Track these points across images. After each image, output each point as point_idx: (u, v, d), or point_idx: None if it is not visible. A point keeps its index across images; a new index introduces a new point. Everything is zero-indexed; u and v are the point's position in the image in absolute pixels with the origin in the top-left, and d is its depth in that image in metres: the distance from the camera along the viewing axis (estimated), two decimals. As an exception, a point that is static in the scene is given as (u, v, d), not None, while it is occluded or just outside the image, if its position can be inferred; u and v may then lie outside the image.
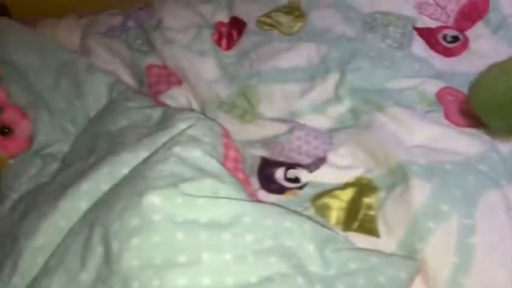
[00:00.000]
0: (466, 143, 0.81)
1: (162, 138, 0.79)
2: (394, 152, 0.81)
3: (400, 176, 0.78)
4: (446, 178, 0.75)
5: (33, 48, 1.12)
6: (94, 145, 0.90)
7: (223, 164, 0.80)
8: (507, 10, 1.03)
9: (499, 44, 0.99)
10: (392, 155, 0.81)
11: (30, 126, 0.99)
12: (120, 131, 0.89)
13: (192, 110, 0.99)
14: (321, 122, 0.94)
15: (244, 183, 0.81)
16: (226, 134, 0.87)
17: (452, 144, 0.82)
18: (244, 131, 0.96)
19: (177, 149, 0.74)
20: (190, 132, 0.79)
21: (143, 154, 0.78)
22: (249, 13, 1.17)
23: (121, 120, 0.92)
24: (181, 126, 0.81)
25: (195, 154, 0.74)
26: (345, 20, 1.07)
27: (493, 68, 0.83)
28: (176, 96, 1.05)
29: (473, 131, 0.84)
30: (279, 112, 0.98)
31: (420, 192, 0.74)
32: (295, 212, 0.73)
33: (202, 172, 0.71)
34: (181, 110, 0.91)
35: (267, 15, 1.15)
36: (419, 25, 1.06)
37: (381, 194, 0.79)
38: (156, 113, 0.90)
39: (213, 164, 0.74)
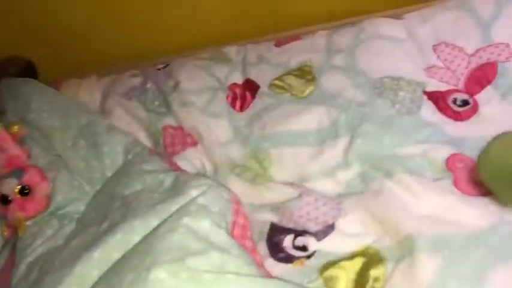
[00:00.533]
0: (476, 214, 0.81)
1: (173, 206, 0.82)
2: (402, 222, 0.81)
3: (408, 248, 0.78)
4: (455, 252, 0.75)
5: (56, 110, 1.17)
6: (109, 209, 0.93)
7: (231, 232, 0.82)
8: (514, 73, 1.04)
9: (508, 110, 0.99)
10: (401, 225, 0.81)
11: (49, 188, 1.03)
12: (133, 196, 0.92)
13: (204, 175, 1.02)
14: (330, 186, 0.95)
15: (252, 252, 0.82)
16: (236, 201, 0.89)
17: (461, 215, 0.81)
18: (255, 195, 0.98)
19: (186, 220, 0.76)
20: (200, 200, 0.81)
21: (154, 222, 0.80)
22: (262, 76, 1.21)
23: (135, 184, 0.95)
24: (193, 193, 0.83)
25: (204, 225, 0.76)
26: (354, 84, 1.09)
27: (501, 138, 0.84)
28: (190, 158, 1.08)
29: (483, 200, 0.84)
30: (289, 175, 1.00)
31: (428, 267, 0.73)
32: (302, 286, 0.74)
33: (210, 244, 0.73)
34: (193, 176, 0.93)
35: (280, 78, 1.18)
36: (429, 89, 1.08)
37: (389, 266, 0.79)
38: (169, 178, 0.93)
39: (221, 235, 0.76)
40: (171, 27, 1.47)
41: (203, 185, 0.85)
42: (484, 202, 0.83)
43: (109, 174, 1.07)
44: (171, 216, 0.79)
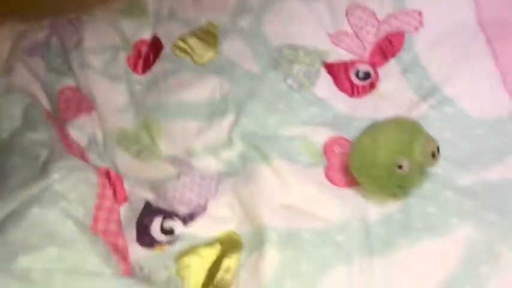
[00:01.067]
0: (335, 207, 0.80)
1: (33, 190, 0.80)
2: (262, 213, 0.80)
3: (260, 240, 0.77)
4: (299, 249, 0.75)
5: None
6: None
7: (94, 216, 0.82)
8: (419, 47, 0.97)
9: (405, 89, 0.94)
10: (259, 216, 0.80)
11: None
12: (9, 169, 0.91)
13: (75, 155, 0.97)
14: (212, 164, 0.93)
15: (116, 237, 0.83)
16: (103, 184, 0.87)
17: (321, 208, 0.80)
18: (137, 170, 0.96)
19: (35, 210, 0.76)
20: (57, 186, 0.80)
21: (11, 205, 0.79)
22: (168, 34, 1.14)
23: (15, 156, 0.94)
24: (53, 177, 0.82)
25: (51, 216, 0.76)
26: (253, 53, 1.03)
27: (372, 129, 0.80)
28: (83, 126, 1.04)
29: (348, 192, 0.82)
30: (177, 149, 0.98)
31: (270, 263, 0.74)
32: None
33: (51, 238, 0.73)
34: (61, 155, 0.90)
35: (183, 38, 1.12)
36: (332, 59, 1.02)
37: (243, 255, 0.79)
38: (44, 153, 0.91)
39: (67, 228, 0.75)
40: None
41: (65, 167, 0.84)
42: (348, 195, 0.82)
43: (5, 136, 1.05)
44: (27, 201, 0.79)
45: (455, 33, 0.97)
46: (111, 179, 0.93)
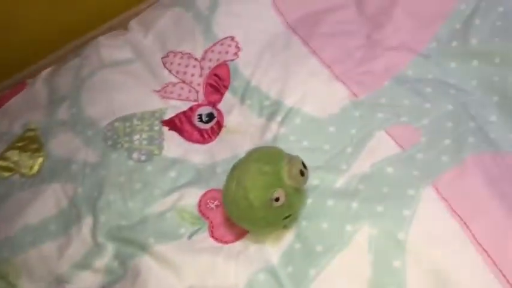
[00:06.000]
0: (234, 268, 0.73)
1: None
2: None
3: None
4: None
5: None
6: None
7: None
8: (245, 70, 0.95)
9: (249, 116, 0.90)
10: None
11: None
12: None
13: None
14: (89, 280, 0.81)
15: None
16: None
17: (221, 277, 0.73)
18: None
19: None
20: None
21: None
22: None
23: None
24: None
25: None
26: (85, 141, 0.93)
27: (233, 176, 0.74)
28: None
29: (242, 244, 0.76)
30: (42, 282, 0.84)
31: None
32: None
33: None
34: None
35: (3, 156, 0.97)
36: (169, 114, 0.95)
37: None
38: None
39: None
40: None
41: None
42: (242, 248, 0.76)
43: None
44: None
45: (273, 45, 0.96)
46: None
